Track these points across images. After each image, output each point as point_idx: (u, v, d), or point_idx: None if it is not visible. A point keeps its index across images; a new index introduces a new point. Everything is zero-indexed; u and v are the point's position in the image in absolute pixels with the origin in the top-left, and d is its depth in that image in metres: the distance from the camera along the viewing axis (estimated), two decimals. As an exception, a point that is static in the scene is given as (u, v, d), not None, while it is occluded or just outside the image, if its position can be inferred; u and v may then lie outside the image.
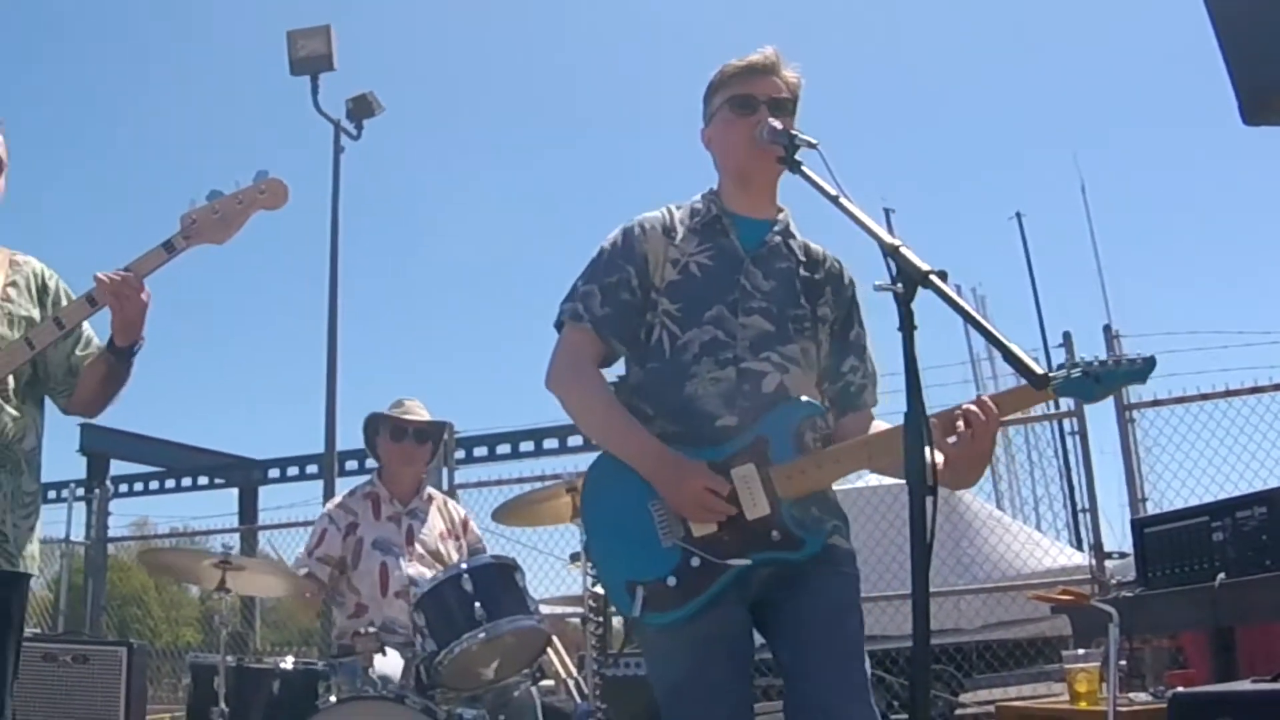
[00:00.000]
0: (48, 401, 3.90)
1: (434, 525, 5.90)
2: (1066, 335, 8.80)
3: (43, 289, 3.87)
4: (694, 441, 3.16)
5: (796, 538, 3.08)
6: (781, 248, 3.40)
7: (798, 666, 3.17)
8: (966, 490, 13.51)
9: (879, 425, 3.38)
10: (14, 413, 3.68)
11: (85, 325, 3.81)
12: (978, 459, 3.03)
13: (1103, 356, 3.06)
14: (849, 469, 3.28)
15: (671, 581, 3.06)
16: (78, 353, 3.83)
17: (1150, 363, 3.04)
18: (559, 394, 3.37)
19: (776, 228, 3.43)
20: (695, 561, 3.06)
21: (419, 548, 5.75)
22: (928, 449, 2.47)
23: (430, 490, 6.07)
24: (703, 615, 3.05)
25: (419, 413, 5.89)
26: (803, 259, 3.41)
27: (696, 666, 3.13)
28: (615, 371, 3.44)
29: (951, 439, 2.95)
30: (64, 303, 3.84)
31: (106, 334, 3.75)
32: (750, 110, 3.30)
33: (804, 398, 3.24)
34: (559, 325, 3.39)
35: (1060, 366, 3.11)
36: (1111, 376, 3.04)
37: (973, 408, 2.94)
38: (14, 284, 3.79)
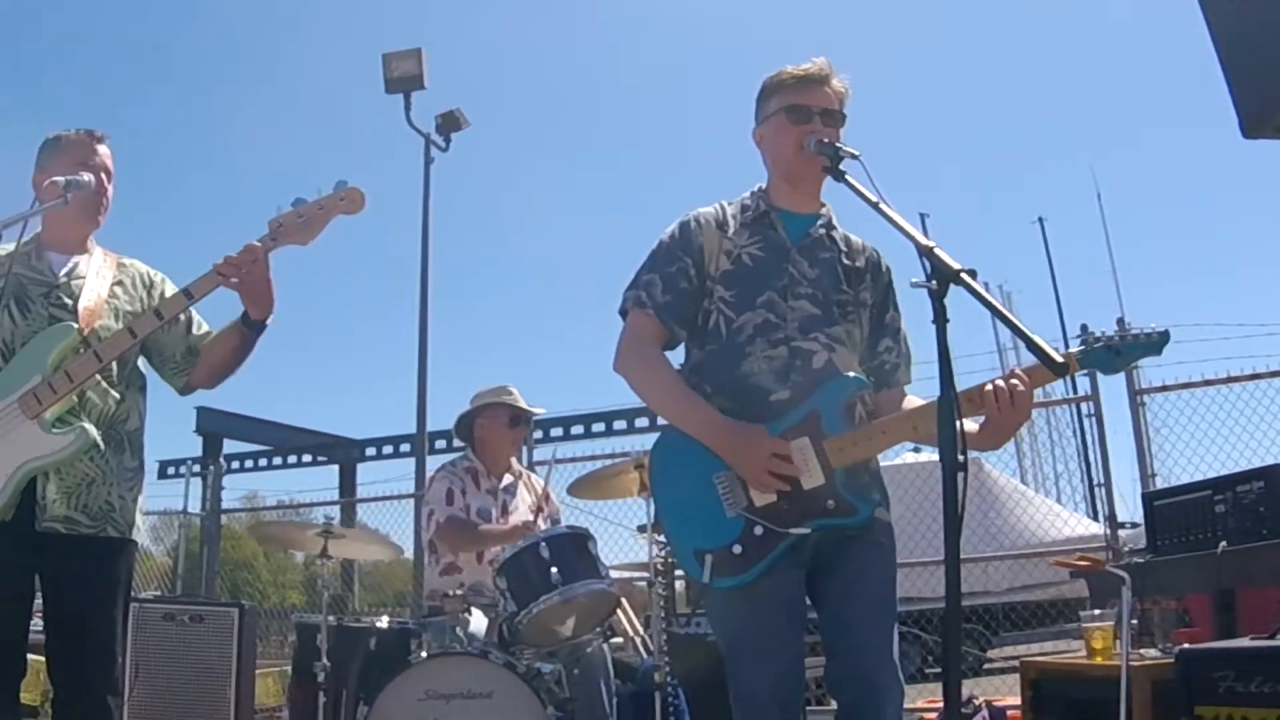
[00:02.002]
0: (151, 386, 3.97)
1: (523, 499, 5.95)
2: (1084, 327, 8.68)
3: (150, 286, 3.96)
4: (750, 417, 3.15)
5: (850, 505, 3.08)
6: (825, 239, 3.41)
7: (840, 635, 3.20)
8: (994, 467, 13.58)
9: (912, 401, 3.38)
10: (118, 396, 3.75)
11: (193, 311, 3.88)
12: (1014, 424, 3.05)
13: (1122, 330, 3.04)
14: (895, 440, 3.24)
15: (737, 549, 3.07)
16: (194, 333, 3.90)
17: (1164, 336, 3.03)
18: (625, 374, 3.37)
19: (820, 221, 3.43)
20: (758, 530, 3.07)
21: (512, 519, 5.79)
22: (959, 430, 2.48)
23: (517, 466, 6.14)
24: (763, 579, 3.07)
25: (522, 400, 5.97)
26: (844, 249, 3.41)
27: (756, 624, 3.15)
28: (676, 359, 3.44)
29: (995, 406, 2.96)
30: (166, 297, 3.89)
31: (218, 321, 3.86)
32: (804, 120, 3.30)
33: (851, 373, 3.23)
34: (623, 312, 3.41)
35: (1082, 341, 3.08)
36: (1130, 349, 3.03)
37: (1014, 380, 2.94)
38: (120, 283, 3.87)
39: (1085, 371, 8.73)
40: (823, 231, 3.41)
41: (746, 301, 3.28)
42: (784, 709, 3.16)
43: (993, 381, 2.98)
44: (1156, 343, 3.03)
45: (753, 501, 3.10)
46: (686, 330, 3.37)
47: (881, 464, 3.43)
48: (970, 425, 3.07)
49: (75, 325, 3.61)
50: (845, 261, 3.38)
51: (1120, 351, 3.03)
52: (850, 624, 3.17)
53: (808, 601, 3.26)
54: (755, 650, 3.16)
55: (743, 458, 3.09)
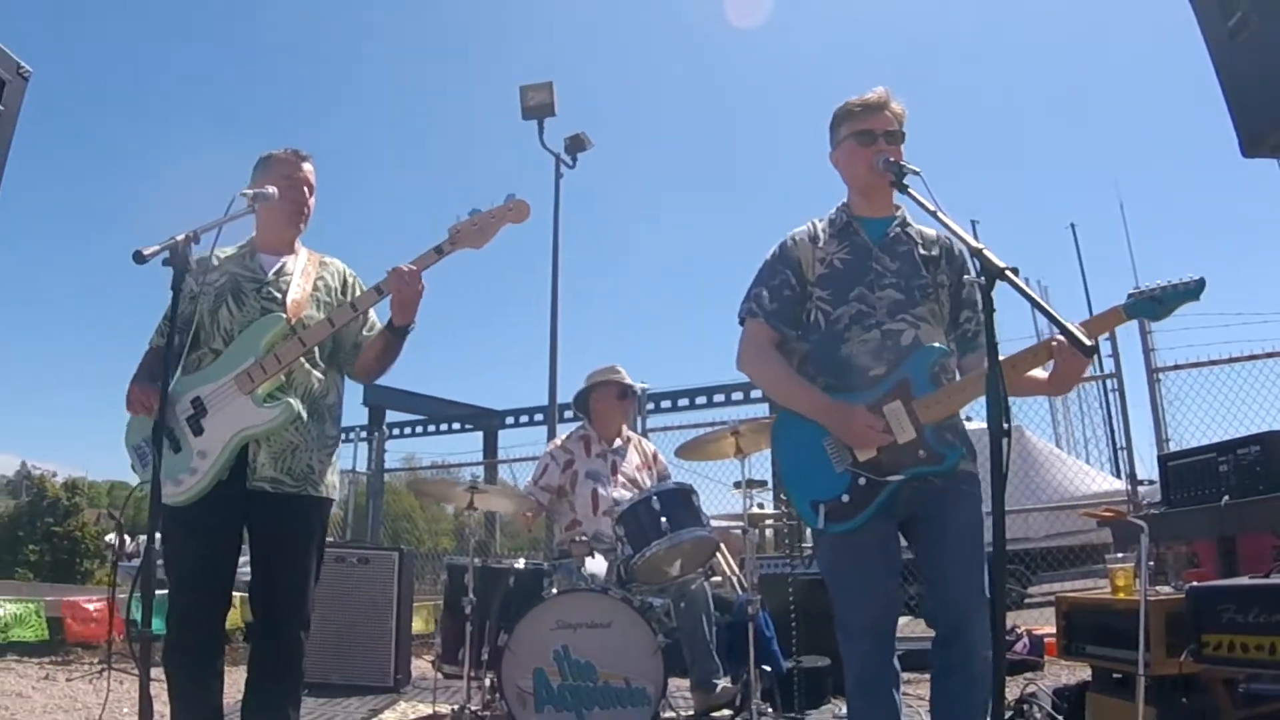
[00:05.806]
0: None
1: (632, 459, 6.08)
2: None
3: (344, 282, 4.02)
4: (852, 390, 3.28)
5: (938, 454, 3.19)
6: (901, 236, 3.47)
7: (933, 573, 3.28)
8: (1033, 433, 13.59)
9: None
10: (319, 375, 3.84)
11: (372, 313, 3.91)
12: (1077, 373, 3.21)
13: (1162, 283, 3.04)
14: (972, 396, 3.26)
15: (845, 498, 3.20)
16: (364, 333, 3.95)
17: (1200, 283, 3.00)
18: (745, 370, 3.54)
19: (895, 222, 3.50)
20: (862, 480, 3.20)
21: (621, 476, 5.92)
22: (1004, 402, 2.54)
23: (628, 432, 6.27)
24: (866, 527, 3.20)
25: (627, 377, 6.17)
26: (919, 241, 3.47)
27: (858, 566, 3.27)
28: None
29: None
30: (359, 293, 3.95)
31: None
32: (870, 141, 3.39)
33: (935, 344, 3.32)
34: (741, 320, 3.55)
35: (1130, 295, 3.09)
36: (1170, 296, 3.02)
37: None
38: (322, 278, 3.94)
39: (1110, 353, 8.91)
40: (899, 229, 3.49)
41: (840, 297, 3.39)
42: (878, 639, 3.27)
43: (1055, 338, 3.05)
44: (1193, 289, 3.01)
45: (856, 458, 3.22)
46: (794, 330, 3.49)
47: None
48: (1041, 374, 3.20)
49: (284, 316, 3.72)
50: (921, 251, 3.45)
51: (1161, 300, 3.03)
52: (941, 563, 3.25)
53: (903, 543, 3.37)
54: (857, 588, 3.29)
55: (844, 429, 3.22)
